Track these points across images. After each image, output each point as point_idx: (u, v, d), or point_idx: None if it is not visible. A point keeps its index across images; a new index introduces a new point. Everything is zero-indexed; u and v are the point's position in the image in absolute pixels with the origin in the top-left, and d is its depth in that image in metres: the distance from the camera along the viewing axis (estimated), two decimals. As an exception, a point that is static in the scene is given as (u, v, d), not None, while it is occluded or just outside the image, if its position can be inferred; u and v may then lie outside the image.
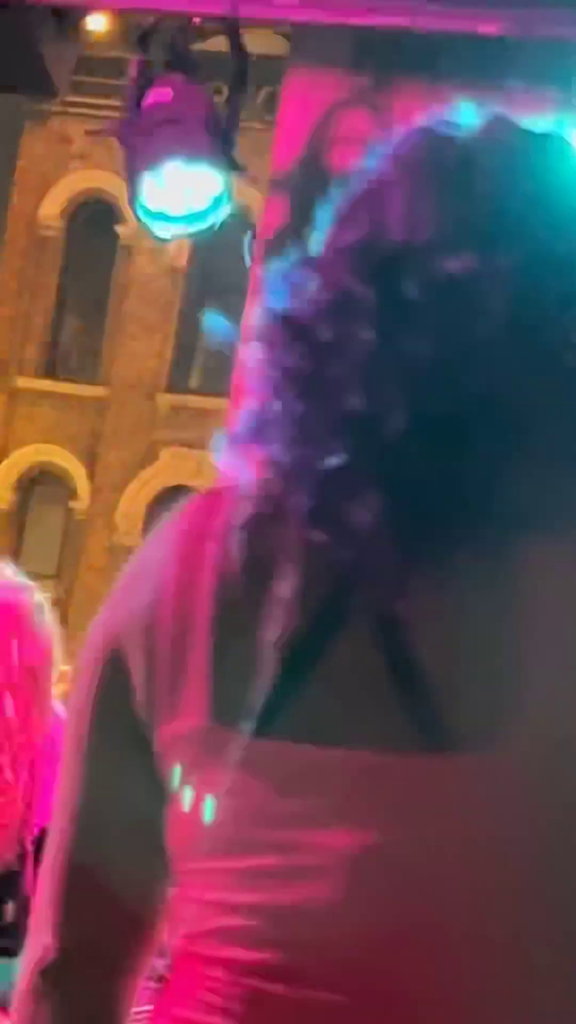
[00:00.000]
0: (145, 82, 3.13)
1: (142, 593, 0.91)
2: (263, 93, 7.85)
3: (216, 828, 0.85)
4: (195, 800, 0.86)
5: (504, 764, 0.78)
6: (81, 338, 18.50)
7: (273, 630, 0.84)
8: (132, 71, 3.06)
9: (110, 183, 13.29)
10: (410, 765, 0.80)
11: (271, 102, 4.08)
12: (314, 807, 0.82)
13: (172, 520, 0.95)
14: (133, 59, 3.11)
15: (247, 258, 3.48)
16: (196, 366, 17.41)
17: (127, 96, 3.11)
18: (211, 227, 3.14)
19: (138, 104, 3.08)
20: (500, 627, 0.80)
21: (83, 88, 13.03)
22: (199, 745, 0.86)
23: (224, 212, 3.11)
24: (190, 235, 3.48)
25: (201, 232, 3.27)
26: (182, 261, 17.16)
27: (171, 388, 17.29)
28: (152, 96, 3.09)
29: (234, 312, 3.82)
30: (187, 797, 0.87)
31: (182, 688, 0.87)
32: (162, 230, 3.25)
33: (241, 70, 3.08)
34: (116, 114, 4.09)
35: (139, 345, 17.46)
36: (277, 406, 0.86)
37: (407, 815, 0.80)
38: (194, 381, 17.17)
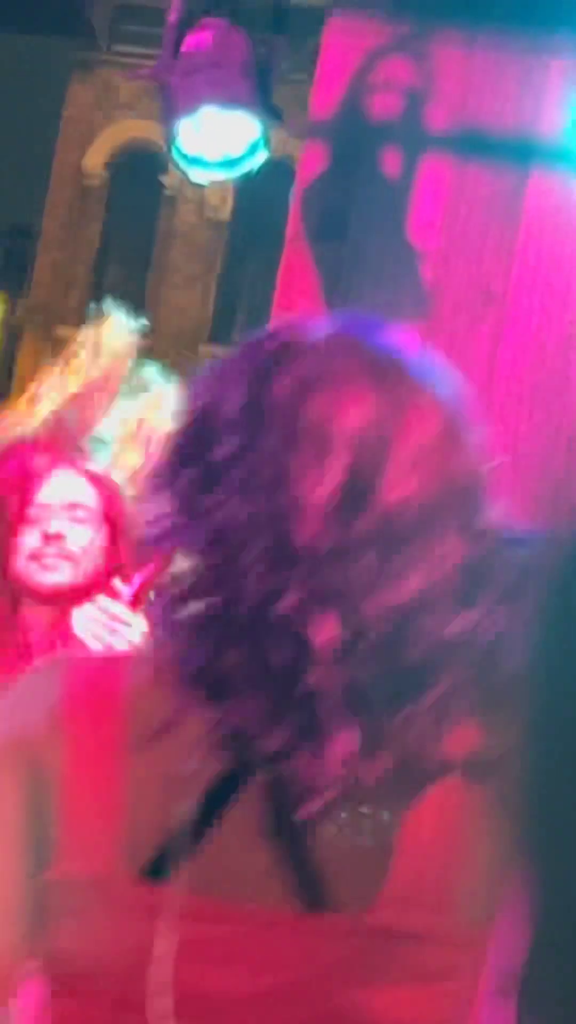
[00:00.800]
0: (185, 25, 3.13)
1: (38, 723, 0.98)
2: (309, 45, 7.91)
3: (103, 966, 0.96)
4: (85, 937, 0.96)
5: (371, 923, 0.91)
6: (124, 288, 18.62)
7: (180, 796, 0.92)
8: (171, 14, 3.07)
9: (155, 133, 13.27)
10: (292, 922, 0.92)
11: (317, 54, 4.12)
12: (206, 955, 0.93)
13: (60, 671, 1.04)
14: (173, 1, 3.12)
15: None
16: (239, 317, 17.55)
17: (166, 39, 3.10)
18: (248, 173, 3.16)
19: (177, 47, 3.07)
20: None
21: (130, 38, 12.94)
22: (100, 890, 0.95)
23: (261, 158, 3.12)
24: (226, 181, 3.51)
25: (238, 178, 3.29)
26: (226, 212, 17.17)
27: (214, 339, 17.39)
28: (191, 40, 3.08)
29: (277, 263, 3.80)
30: (72, 930, 0.97)
31: (86, 830, 0.95)
32: (198, 175, 3.26)
33: (281, 13, 3.08)
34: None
35: (182, 296, 17.51)
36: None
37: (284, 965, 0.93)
38: (237, 332, 17.37)
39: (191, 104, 3.15)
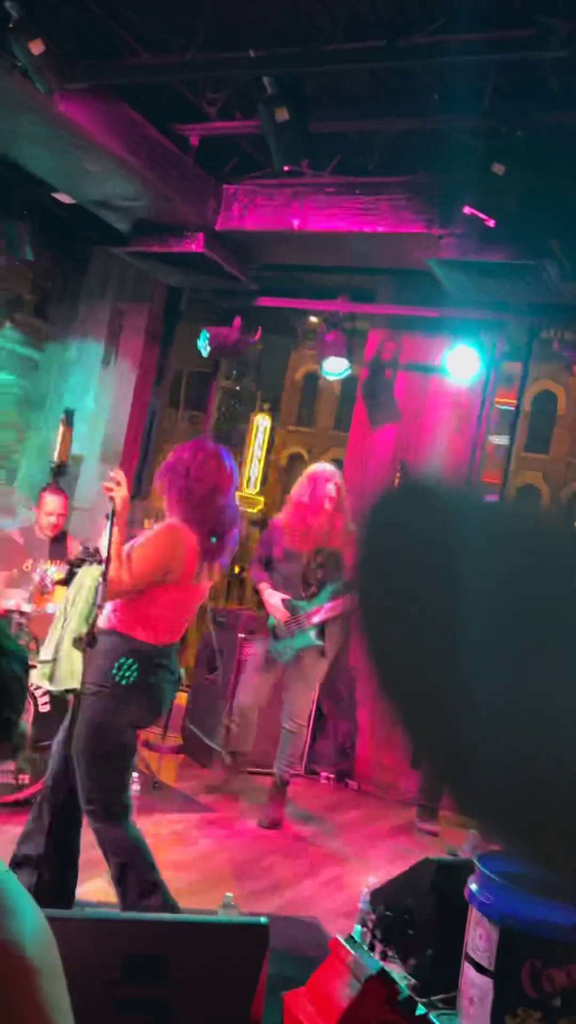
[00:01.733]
0: (326, 331, 6.86)
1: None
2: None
3: None
4: None
5: None
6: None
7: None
8: (327, 336, 6.59)
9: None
10: None
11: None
12: None
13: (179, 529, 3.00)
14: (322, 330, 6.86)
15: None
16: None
17: (319, 336, 6.65)
18: (344, 375, 6.78)
19: (323, 339, 6.73)
20: None
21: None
22: (189, 582, 3.04)
23: (347, 372, 6.66)
24: (339, 378, 7.11)
25: (342, 377, 6.92)
26: (338, 392, 24.17)
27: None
28: (327, 338, 6.65)
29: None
30: None
31: (189, 567, 3.04)
32: (331, 377, 6.78)
33: (353, 333, 6.83)
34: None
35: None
36: None
37: None
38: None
39: (328, 355, 6.64)
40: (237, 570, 20.10)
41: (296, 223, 5.86)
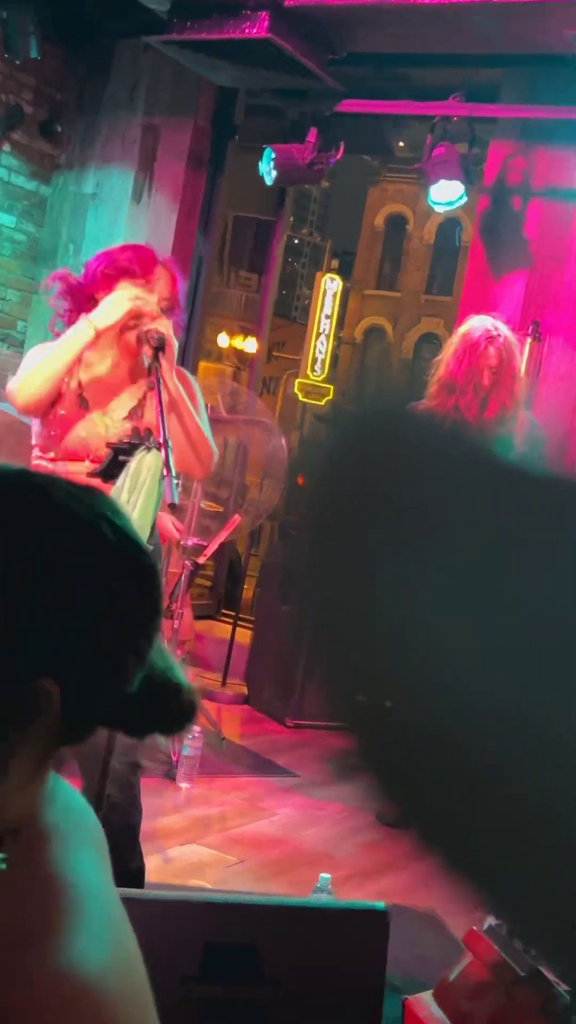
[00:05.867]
0: (434, 144, 6.44)
1: None
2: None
3: None
4: None
5: None
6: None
7: None
8: (434, 151, 6.11)
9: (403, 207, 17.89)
10: None
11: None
12: None
13: None
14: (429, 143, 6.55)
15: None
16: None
17: (426, 152, 6.27)
18: (458, 205, 6.39)
19: (430, 155, 6.36)
20: None
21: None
22: None
23: (463, 202, 6.32)
24: (449, 210, 6.80)
25: (453, 208, 6.62)
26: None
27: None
28: (435, 153, 6.16)
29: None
30: None
31: None
32: (440, 209, 6.40)
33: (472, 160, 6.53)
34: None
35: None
36: None
37: None
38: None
39: (437, 179, 6.29)
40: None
41: (395, -8, 5.60)
